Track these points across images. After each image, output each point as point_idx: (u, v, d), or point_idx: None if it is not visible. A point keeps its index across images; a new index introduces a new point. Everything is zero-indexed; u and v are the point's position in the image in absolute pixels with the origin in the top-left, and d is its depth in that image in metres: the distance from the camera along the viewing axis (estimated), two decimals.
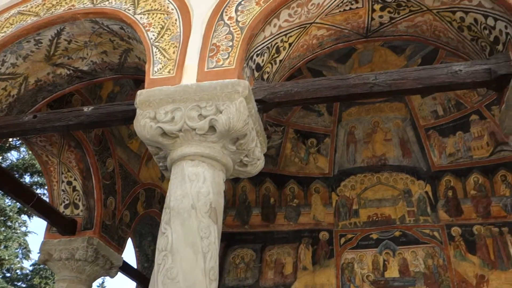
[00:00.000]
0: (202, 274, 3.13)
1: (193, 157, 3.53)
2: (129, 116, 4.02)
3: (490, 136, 8.44)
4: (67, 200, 6.41)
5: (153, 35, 4.09)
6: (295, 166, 9.07)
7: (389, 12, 4.47)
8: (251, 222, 8.78)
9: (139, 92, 3.79)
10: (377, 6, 4.41)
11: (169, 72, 3.87)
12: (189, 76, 3.80)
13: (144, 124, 3.62)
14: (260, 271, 8.35)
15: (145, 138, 3.68)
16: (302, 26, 4.41)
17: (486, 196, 8.37)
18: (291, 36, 4.42)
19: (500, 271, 7.71)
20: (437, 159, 8.77)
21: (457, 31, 4.24)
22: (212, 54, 3.88)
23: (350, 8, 4.43)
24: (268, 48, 4.25)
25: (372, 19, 4.57)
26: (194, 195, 3.36)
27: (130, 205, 7.05)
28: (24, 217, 18.58)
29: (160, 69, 3.91)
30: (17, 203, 16.51)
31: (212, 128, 3.53)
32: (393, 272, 8.08)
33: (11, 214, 17.53)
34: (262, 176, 8.96)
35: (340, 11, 4.44)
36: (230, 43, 3.88)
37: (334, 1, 4.32)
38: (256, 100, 3.87)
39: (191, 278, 3.08)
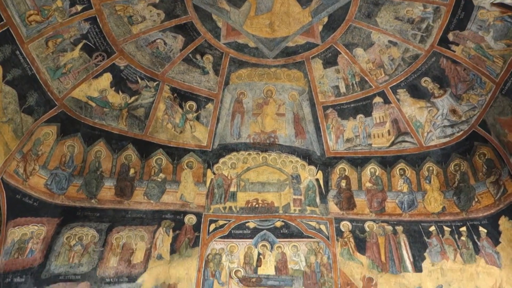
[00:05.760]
0: None
1: None
2: None
3: (393, 123, 7.41)
4: None
5: None
6: (167, 133, 7.30)
7: None
8: (100, 196, 6.77)
9: None
10: None
11: None
12: None
13: None
14: (100, 257, 6.35)
15: None
16: None
17: (382, 191, 7.24)
18: None
19: (390, 274, 6.47)
20: (333, 144, 7.53)
21: None
22: None
23: None
24: None
25: None
26: None
27: None
28: None
29: None
30: None
31: None
32: (268, 268, 6.52)
33: None
34: (124, 141, 7.09)
35: None
36: None
37: None
38: None
39: None
